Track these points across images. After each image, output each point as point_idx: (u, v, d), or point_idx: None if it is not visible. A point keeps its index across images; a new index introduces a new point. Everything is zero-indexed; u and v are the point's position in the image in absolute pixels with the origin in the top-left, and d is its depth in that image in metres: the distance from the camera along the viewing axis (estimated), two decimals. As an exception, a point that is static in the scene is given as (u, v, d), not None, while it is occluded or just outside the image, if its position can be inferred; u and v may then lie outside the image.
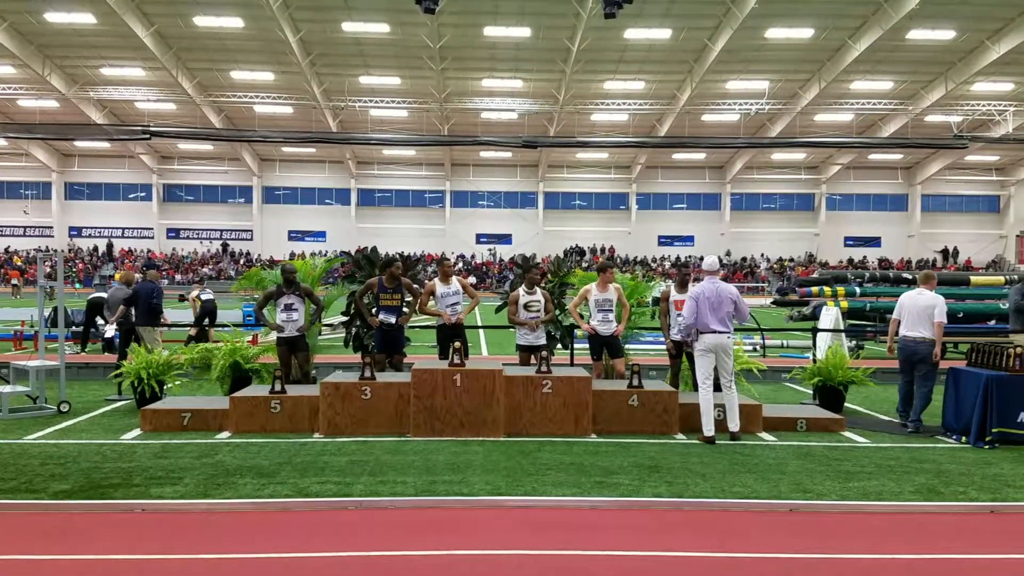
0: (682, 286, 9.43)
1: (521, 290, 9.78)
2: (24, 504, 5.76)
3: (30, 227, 56.51)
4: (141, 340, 11.66)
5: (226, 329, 12.91)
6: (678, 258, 57.05)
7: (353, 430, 8.13)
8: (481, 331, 19.53)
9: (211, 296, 16.00)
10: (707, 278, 8.38)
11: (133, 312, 11.62)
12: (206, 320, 15.56)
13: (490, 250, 58.48)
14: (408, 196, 59.07)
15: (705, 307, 8.19)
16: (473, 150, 54.12)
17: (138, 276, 13.24)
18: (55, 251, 49.22)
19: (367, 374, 8.38)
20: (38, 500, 5.83)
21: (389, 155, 56.95)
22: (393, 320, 9.58)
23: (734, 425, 8.12)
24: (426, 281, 11.57)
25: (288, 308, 9.50)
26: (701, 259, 54.35)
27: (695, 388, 8.86)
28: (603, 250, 57.69)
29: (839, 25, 35.22)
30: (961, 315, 16.10)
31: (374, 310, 9.69)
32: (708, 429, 7.97)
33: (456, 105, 44.68)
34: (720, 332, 8.20)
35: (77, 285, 44.24)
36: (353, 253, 12.42)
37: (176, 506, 5.77)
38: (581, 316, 9.94)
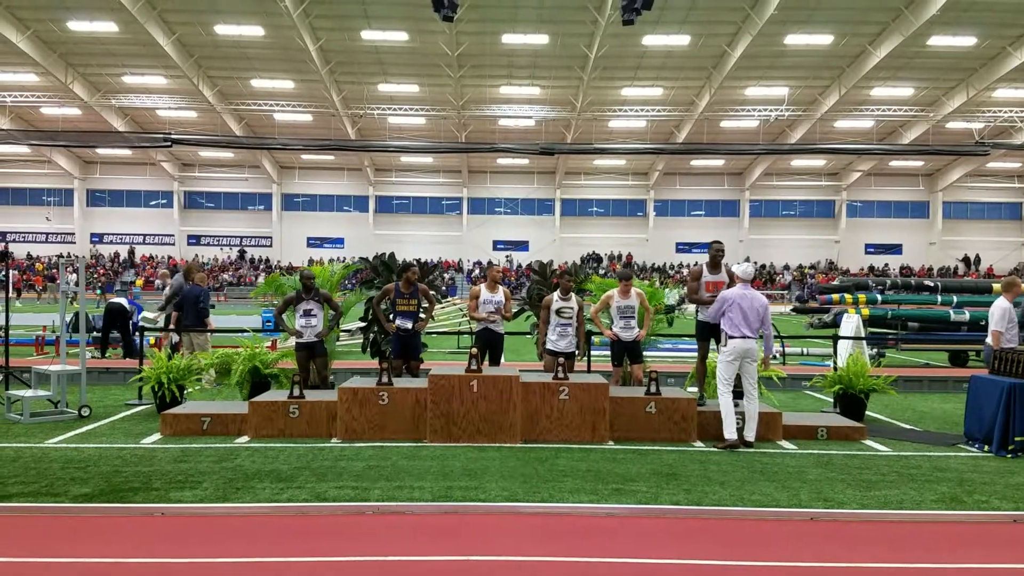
0: (714, 265, 9.23)
1: (556, 295, 9.77)
2: (45, 507, 5.81)
3: (52, 233, 57.13)
4: (192, 343, 11.89)
5: (245, 335, 13.02)
6: (696, 264, 56.73)
7: (370, 435, 8.14)
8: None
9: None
10: (740, 284, 8.33)
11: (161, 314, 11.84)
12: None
13: (507, 257, 58.50)
14: (425, 203, 59.23)
15: (737, 312, 8.14)
16: (490, 157, 54.19)
17: (173, 280, 13.30)
18: (77, 257, 49.76)
19: (384, 379, 8.39)
20: (59, 503, 5.88)
21: (407, 162, 57.14)
22: (409, 325, 9.61)
23: (751, 434, 8.06)
24: (471, 286, 11.62)
25: (307, 314, 9.55)
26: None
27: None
28: (620, 257, 57.55)
29: (859, 31, 35.03)
30: (984, 323, 15.90)
31: (391, 316, 9.73)
32: (730, 433, 7.91)
33: (474, 112, 44.80)
34: (748, 337, 8.17)
35: (99, 291, 44.63)
36: (371, 259, 12.45)
37: (195, 510, 5.80)
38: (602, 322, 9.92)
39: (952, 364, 16.38)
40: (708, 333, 8.96)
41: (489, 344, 9.73)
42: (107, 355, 15.54)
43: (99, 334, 15.84)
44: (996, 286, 18.08)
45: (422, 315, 9.83)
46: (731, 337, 8.14)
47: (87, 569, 4.79)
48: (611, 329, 9.67)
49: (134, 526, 5.52)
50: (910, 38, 33.29)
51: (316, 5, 33.02)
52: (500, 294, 9.93)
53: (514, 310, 13.49)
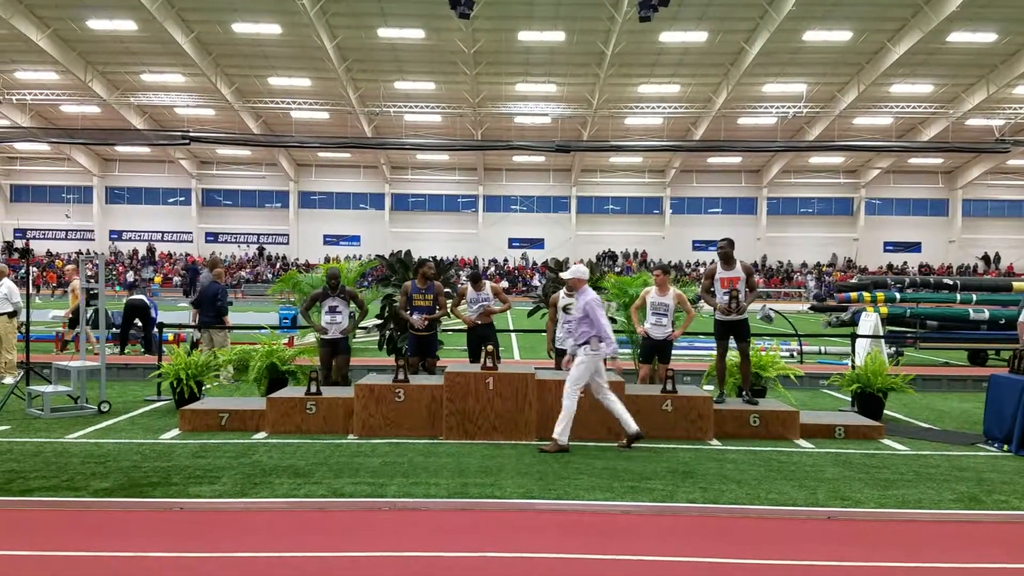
0: (726, 262, 9.10)
1: (562, 292, 9.78)
2: (65, 502, 5.88)
3: (71, 231, 57.65)
4: (212, 339, 11.88)
5: (263, 332, 13.11)
6: (712, 262, 56.56)
7: (386, 432, 8.18)
8: (513, 335, 19.56)
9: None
10: (585, 288, 8.09)
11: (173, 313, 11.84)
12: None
13: (523, 255, 58.51)
14: (441, 201, 59.34)
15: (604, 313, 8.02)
16: (506, 155, 54.18)
17: (203, 276, 13.27)
18: (97, 254, 50.20)
19: (401, 377, 8.43)
20: (79, 498, 5.94)
21: (423, 160, 57.25)
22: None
23: (632, 425, 7.72)
24: (459, 286, 11.68)
25: (332, 310, 9.67)
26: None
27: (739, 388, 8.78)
28: (636, 255, 57.46)
29: (878, 27, 34.73)
30: (1003, 321, 15.78)
31: (408, 311, 9.82)
32: (632, 426, 7.67)
33: (489, 110, 44.80)
34: None
35: (118, 288, 45.01)
36: (387, 257, 12.50)
37: (214, 505, 5.85)
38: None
39: (971, 363, 16.25)
40: (726, 332, 8.95)
41: (483, 340, 9.67)
42: (126, 351, 15.67)
43: (118, 330, 15.97)
44: (1016, 284, 17.93)
45: (438, 309, 9.90)
46: (602, 340, 7.81)
47: (106, 563, 4.84)
48: (643, 325, 9.70)
49: (153, 521, 5.57)
50: (929, 34, 32.97)
51: (333, 3, 33.11)
52: (487, 290, 10.00)
53: (530, 307, 13.52)
